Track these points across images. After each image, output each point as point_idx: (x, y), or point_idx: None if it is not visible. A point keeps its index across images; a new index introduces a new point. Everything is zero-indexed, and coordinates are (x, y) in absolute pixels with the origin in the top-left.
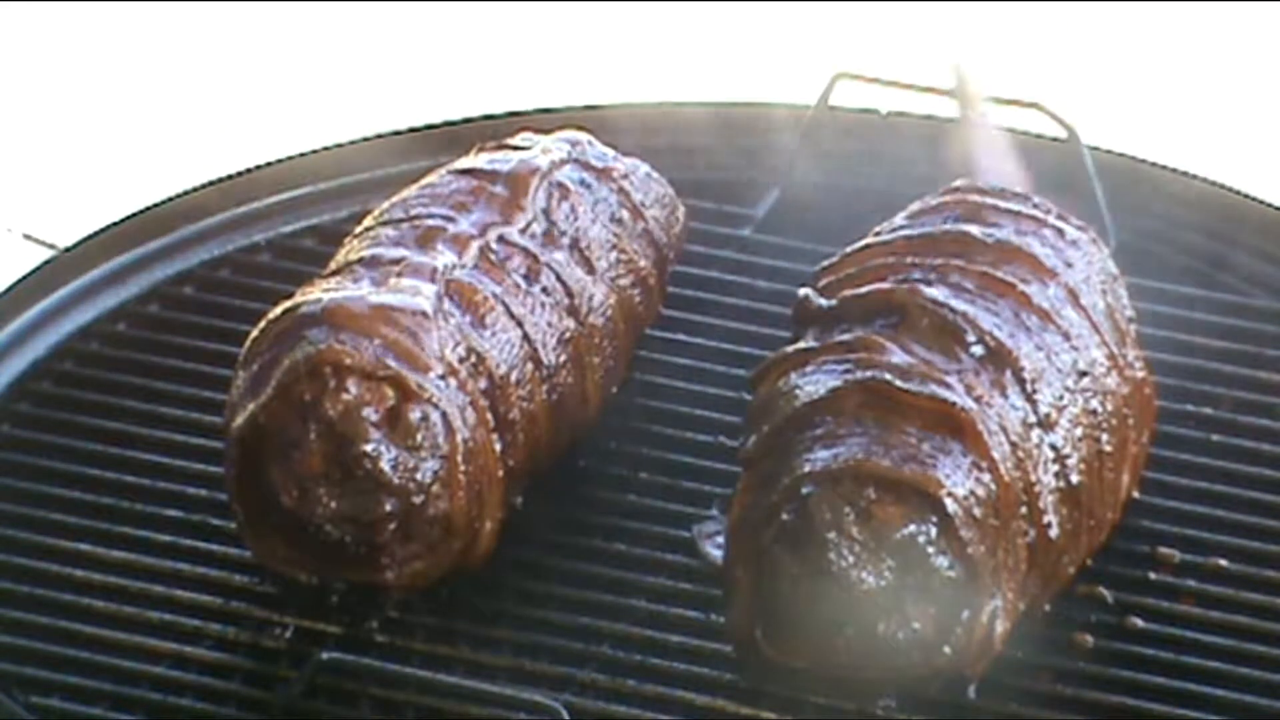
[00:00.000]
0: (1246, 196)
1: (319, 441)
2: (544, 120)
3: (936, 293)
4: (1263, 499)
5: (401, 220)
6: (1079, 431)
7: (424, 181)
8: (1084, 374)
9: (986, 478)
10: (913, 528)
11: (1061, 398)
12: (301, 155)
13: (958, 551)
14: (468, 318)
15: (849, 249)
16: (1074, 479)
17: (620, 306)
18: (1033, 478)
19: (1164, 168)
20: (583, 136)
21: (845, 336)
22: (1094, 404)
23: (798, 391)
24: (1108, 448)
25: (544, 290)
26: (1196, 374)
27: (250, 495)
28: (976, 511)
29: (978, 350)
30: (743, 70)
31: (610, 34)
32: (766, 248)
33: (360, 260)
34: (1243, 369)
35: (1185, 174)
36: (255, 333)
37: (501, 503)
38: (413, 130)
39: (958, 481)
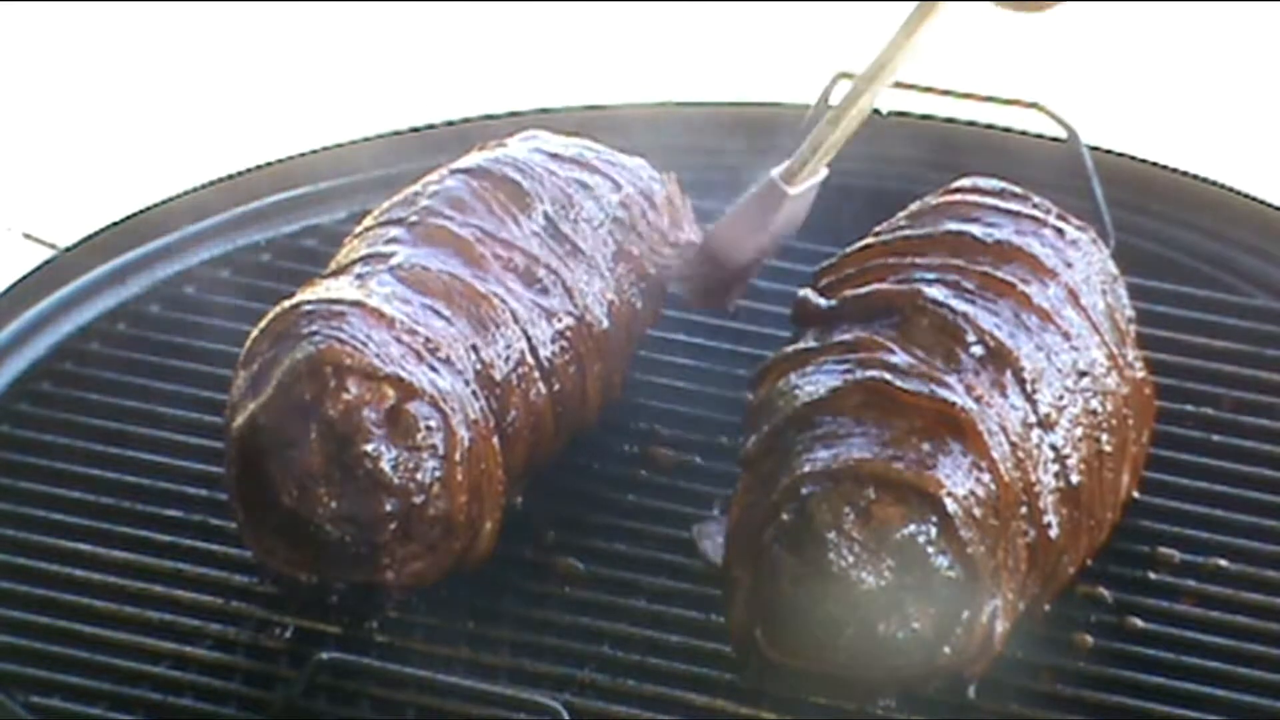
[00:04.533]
0: (1246, 196)
1: (319, 441)
2: (544, 120)
3: (936, 293)
4: (1263, 499)
5: (402, 220)
6: (1079, 431)
7: (424, 181)
8: (1084, 374)
9: (986, 478)
10: (913, 528)
11: (1061, 398)
12: (301, 155)
13: (958, 551)
14: (468, 318)
15: (849, 249)
16: (1074, 479)
17: (620, 306)
18: (1033, 478)
19: (1164, 168)
20: (583, 137)
21: (845, 336)
22: (1094, 404)
23: (798, 391)
24: (1108, 448)
25: (544, 290)
26: (1196, 374)
27: (250, 495)
28: (976, 511)
29: (978, 350)
30: (743, 70)
31: (610, 34)
32: None
33: (360, 260)
34: (1243, 369)
35: (1185, 174)
36: (255, 332)
37: (501, 502)
38: (413, 130)
39: (958, 481)
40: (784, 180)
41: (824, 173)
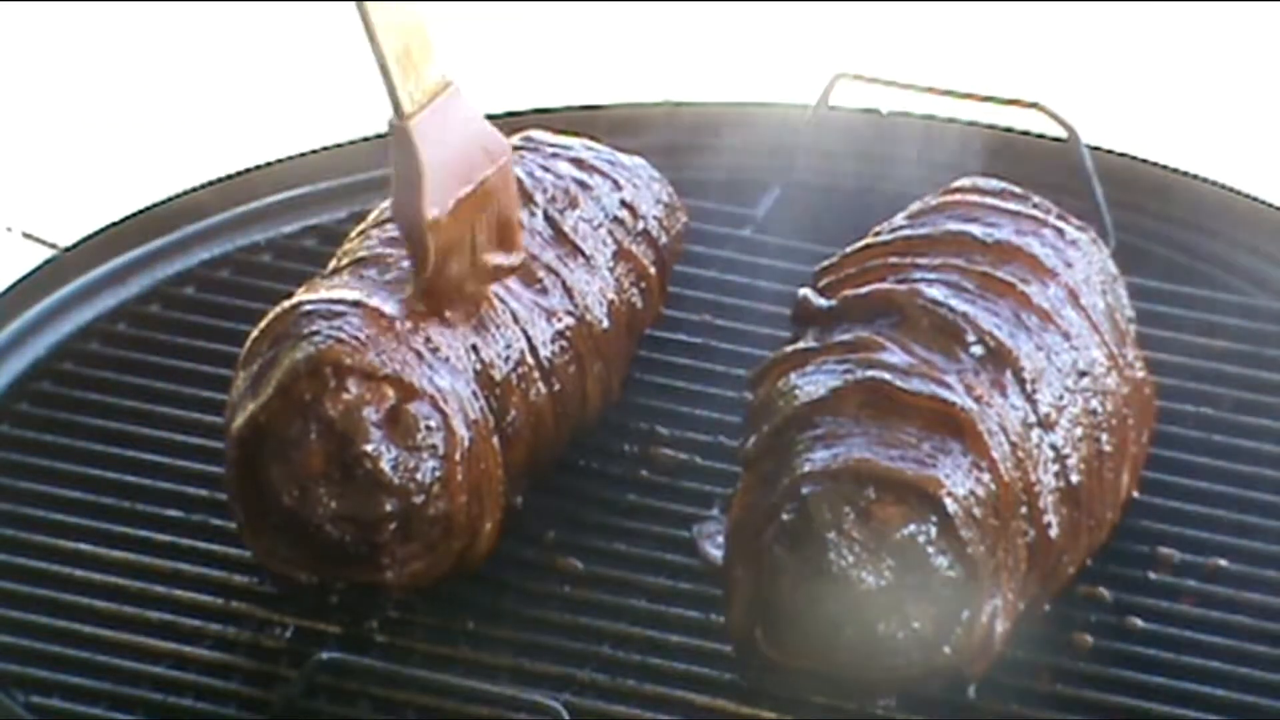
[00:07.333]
0: (1247, 197)
1: (319, 441)
2: (543, 120)
3: (936, 293)
4: (1263, 499)
5: None
6: (1079, 431)
7: None
8: (1084, 374)
9: (986, 478)
10: (913, 528)
11: (1061, 398)
12: (301, 155)
13: (958, 551)
14: (468, 317)
15: (849, 249)
16: (1074, 479)
17: (620, 306)
18: (1033, 478)
19: (1164, 168)
20: (583, 137)
21: (845, 336)
22: (1094, 404)
23: (798, 391)
24: (1108, 448)
25: (544, 290)
26: (1196, 374)
27: (250, 495)
28: (976, 511)
29: (978, 350)
30: (743, 70)
31: (610, 34)
32: (766, 248)
33: (360, 260)
34: (1243, 369)
35: (1185, 174)
36: (255, 333)
37: (501, 502)
38: None
39: (958, 481)
40: (397, 119)
41: (450, 87)
